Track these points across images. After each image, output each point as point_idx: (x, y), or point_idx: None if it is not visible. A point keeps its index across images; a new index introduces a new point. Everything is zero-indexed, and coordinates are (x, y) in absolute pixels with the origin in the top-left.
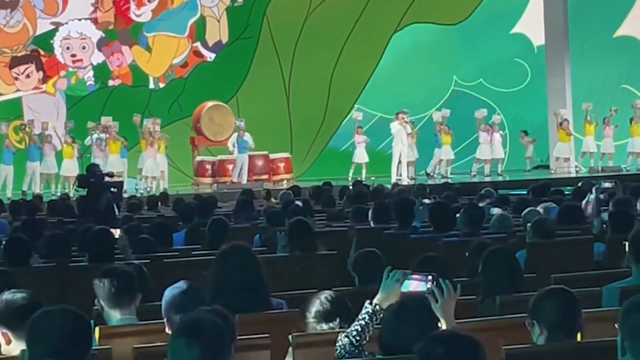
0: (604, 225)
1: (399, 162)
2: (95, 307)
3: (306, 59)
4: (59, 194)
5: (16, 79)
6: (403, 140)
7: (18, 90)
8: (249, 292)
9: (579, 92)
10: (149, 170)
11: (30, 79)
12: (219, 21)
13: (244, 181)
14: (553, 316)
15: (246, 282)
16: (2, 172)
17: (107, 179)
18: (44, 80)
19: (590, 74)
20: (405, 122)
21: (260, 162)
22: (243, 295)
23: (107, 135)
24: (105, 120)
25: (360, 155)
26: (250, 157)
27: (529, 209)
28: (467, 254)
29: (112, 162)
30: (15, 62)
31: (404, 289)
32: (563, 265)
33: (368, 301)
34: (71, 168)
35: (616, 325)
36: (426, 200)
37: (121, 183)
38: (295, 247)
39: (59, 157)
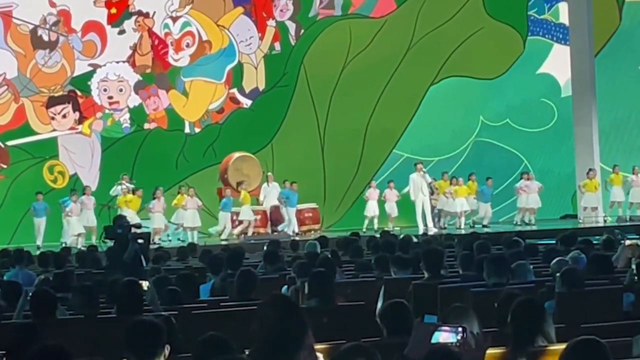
0: (635, 277)
1: (423, 212)
2: (124, 359)
3: (342, 109)
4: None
5: (52, 118)
6: (423, 190)
7: (54, 130)
8: (291, 344)
9: (605, 126)
10: (190, 221)
11: (66, 119)
12: (256, 68)
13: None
14: None
15: (288, 334)
16: (36, 224)
17: (134, 230)
18: (80, 121)
19: (616, 107)
20: (424, 171)
21: None
22: (285, 346)
23: (134, 186)
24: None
25: (391, 209)
26: (277, 208)
27: (557, 258)
28: (496, 305)
29: (132, 217)
30: (52, 102)
31: (434, 340)
32: (592, 316)
33: (399, 353)
34: (91, 219)
35: None
36: None
37: (148, 234)
38: (313, 297)
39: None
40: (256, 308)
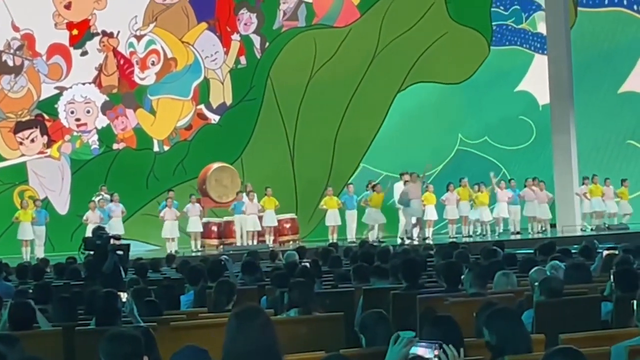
0: (613, 286)
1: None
2: None
3: (310, 120)
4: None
5: (21, 143)
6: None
7: (23, 155)
8: (258, 355)
9: (585, 148)
10: (168, 232)
11: (34, 143)
12: (222, 83)
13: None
14: None
15: (261, 346)
16: (36, 233)
17: (113, 241)
18: (49, 144)
19: (596, 130)
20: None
21: None
22: (252, 357)
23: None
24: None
25: (372, 217)
26: None
27: (536, 268)
28: (474, 314)
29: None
30: (19, 127)
31: (411, 355)
32: (571, 325)
33: None
34: (28, 232)
35: None
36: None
37: (128, 246)
38: (292, 308)
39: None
40: (229, 318)
